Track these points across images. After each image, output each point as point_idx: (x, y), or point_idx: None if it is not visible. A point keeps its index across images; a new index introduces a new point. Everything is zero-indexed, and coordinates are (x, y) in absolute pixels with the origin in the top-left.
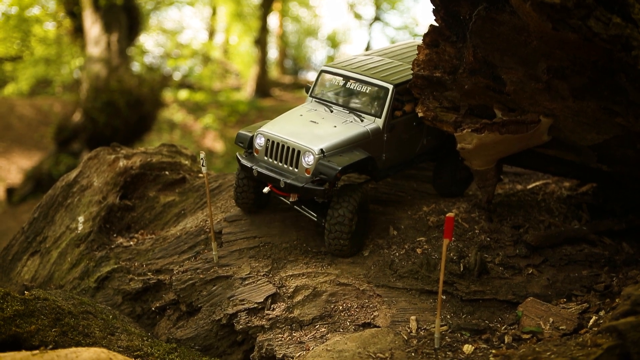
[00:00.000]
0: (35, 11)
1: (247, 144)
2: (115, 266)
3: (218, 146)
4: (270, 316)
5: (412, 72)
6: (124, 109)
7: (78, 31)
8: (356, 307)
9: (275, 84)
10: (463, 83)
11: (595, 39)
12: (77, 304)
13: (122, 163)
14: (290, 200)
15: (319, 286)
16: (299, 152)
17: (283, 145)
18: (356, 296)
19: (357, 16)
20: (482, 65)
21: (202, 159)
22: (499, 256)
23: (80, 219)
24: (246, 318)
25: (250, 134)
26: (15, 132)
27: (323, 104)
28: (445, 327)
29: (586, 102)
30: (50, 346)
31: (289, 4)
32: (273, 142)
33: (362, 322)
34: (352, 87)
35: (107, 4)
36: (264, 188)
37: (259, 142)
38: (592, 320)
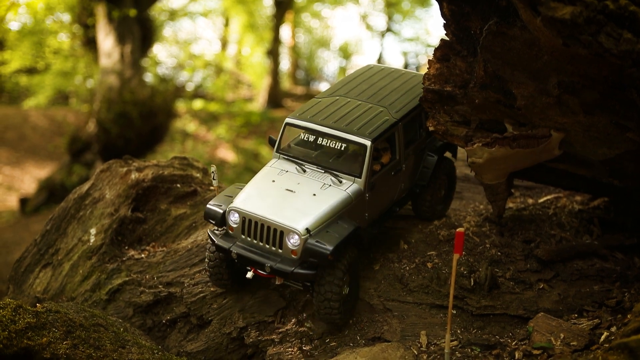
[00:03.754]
0: (49, 22)
1: (219, 222)
2: (127, 279)
3: (230, 157)
4: (281, 330)
5: (386, 117)
6: (136, 120)
7: (91, 42)
8: (366, 322)
9: (288, 95)
10: (474, 97)
11: (606, 55)
12: (88, 317)
13: (134, 175)
14: (277, 282)
15: None
16: (282, 232)
17: (262, 225)
18: (366, 310)
19: (369, 27)
20: (493, 80)
21: (213, 172)
22: (510, 271)
23: (92, 231)
24: (256, 331)
25: (221, 211)
26: (29, 143)
27: (293, 161)
28: (455, 342)
29: (597, 117)
30: (62, 359)
31: (302, 15)
32: (250, 220)
33: (372, 336)
34: (324, 143)
35: (120, 15)
36: (246, 273)
37: (233, 219)
38: (603, 337)
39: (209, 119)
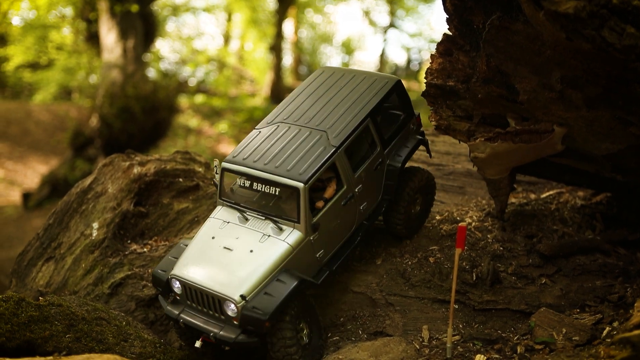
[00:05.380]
0: (51, 17)
1: (164, 288)
2: (129, 272)
3: None
4: None
5: (323, 145)
6: (139, 114)
7: (94, 37)
8: (368, 316)
9: (290, 90)
10: (476, 92)
11: (609, 49)
12: (90, 310)
13: (136, 170)
14: (226, 348)
15: (332, 294)
16: (219, 300)
17: (201, 292)
18: (368, 305)
19: (372, 23)
20: (496, 74)
21: (215, 166)
22: (512, 266)
23: (95, 225)
24: None
25: (166, 276)
26: (32, 137)
27: (235, 208)
28: (457, 337)
29: (600, 111)
30: (64, 352)
31: (304, 10)
32: (190, 288)
33: (374, 330)
34: (259, 188)
35: (122, 10)
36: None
37: (176, 286)
38: (605, 331)
39: (211, 114)
